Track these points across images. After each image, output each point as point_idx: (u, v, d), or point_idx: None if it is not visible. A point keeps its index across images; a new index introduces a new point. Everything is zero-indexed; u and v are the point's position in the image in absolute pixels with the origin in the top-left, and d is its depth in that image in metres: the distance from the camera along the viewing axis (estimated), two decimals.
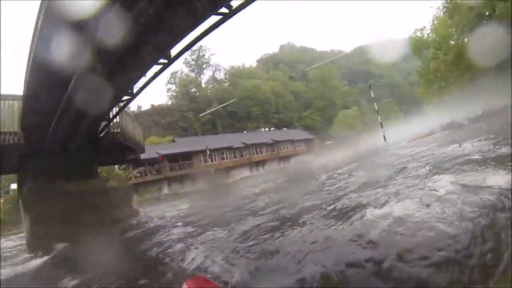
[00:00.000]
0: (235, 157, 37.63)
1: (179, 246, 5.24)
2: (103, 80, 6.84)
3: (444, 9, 24.87)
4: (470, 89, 20.78)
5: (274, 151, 42.09)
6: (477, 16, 21.00)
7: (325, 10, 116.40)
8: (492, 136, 7.72)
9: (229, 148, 37.24)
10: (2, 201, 26.36)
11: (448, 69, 24.22)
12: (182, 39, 6.87)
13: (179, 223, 8.19)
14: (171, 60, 7.72)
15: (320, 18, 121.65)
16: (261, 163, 39.91)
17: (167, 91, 55.78)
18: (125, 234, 8.24)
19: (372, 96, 19.73)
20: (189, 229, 6.84)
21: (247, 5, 6.15)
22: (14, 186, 23.23)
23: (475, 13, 20.80)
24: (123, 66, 7.12)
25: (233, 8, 6.21)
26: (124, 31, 5.77)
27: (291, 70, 67.87)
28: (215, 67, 62.33)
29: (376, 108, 18.70)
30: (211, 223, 6.50)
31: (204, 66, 60.47)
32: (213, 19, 6.43)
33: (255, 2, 6.06)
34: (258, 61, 73.84)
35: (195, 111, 51.71)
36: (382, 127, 16.45)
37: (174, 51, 7.48)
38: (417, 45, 27.00)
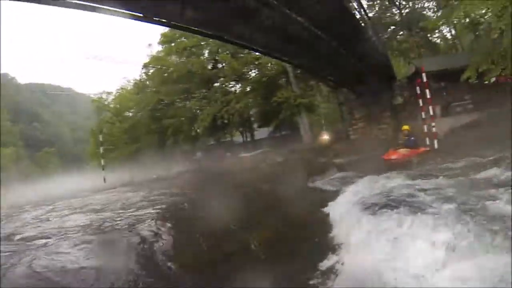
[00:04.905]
0: None
1: None
2: None
3: (133, 84, 28.99)
4: (136, 158, 23.14)
5: None
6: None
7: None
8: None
9: None
10: None
11: (120, 136, 27.38)
12: None
13: None
14: None
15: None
16: None
17: None
18: None
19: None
20: None
21: None
22: None
23: (153, 102, 25.34)
24: None
25: None
26: None
27: None
28: None
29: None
30: None
31: None
32: None
33: None
34: None
35: None
36: (103, 169, 15.92)
37: None
38: (99, 106, 30.32)
